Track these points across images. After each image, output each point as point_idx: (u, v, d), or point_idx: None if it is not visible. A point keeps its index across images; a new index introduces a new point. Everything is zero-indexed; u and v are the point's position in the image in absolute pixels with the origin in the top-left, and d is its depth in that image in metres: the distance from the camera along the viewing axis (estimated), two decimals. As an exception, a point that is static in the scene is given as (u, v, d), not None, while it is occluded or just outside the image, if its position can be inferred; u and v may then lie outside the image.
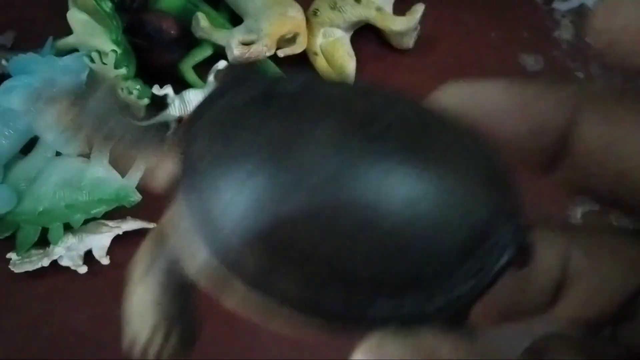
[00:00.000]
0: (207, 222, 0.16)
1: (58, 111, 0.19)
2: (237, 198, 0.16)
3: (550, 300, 0.21)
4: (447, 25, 0.68)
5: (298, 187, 0.16)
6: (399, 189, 0.16)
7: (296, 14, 0.60)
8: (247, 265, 0.16)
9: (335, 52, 0.61)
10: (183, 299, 0.18)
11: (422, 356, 0.15)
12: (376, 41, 0.66)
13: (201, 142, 0.17)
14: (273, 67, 0.61)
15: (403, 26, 0.62)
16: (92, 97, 0.20)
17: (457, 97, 0.20)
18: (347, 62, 0.61)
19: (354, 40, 0.64)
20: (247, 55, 0.56)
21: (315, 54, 0.61)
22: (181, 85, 0.59)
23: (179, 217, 0.17)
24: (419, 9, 0.62)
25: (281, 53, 0.59)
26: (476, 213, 0.17)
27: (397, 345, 0.15)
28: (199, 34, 0.60)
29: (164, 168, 0.19)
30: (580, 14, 0.70)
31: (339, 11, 0.61)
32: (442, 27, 0.68)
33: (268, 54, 0.57)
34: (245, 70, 0.21)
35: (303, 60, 0.62)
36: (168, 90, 0.58)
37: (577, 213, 0.56)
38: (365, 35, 0.65)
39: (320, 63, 0.61)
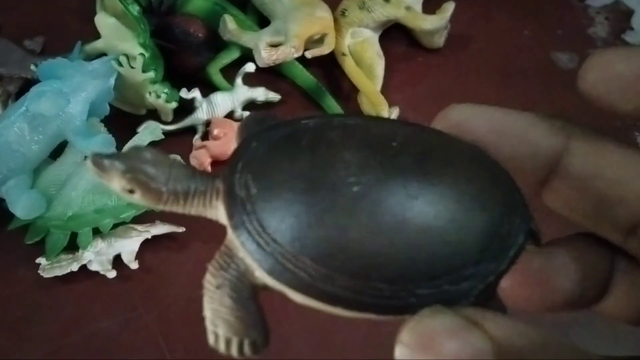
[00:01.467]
0: (262, 239, 0.19)
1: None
2: (287, 216, 0.19)
3: (596, 296, 0.24)
4: (478, 23, 0.67)
5: (337, 204, 0.19)
6: (420, 195, 0.19)
7: (324, 15, 0.59)
8: (300, 273, 0.19)
9: (364, 52, 0.60)
10: (252, 307, 0.20)
11: (467, 325, 0.17)
12: (405, 41, 0.65)
13: (246, 175, 0.20)
14: (300, 70, 0.60)
15: (433, 25, 0.60)
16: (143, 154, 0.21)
17: (461, 118, 0.23)
18: (376, 62, 0.60)
19: (382, 40, 0.63)
20: (274, 57, 0.56)
21: (344, 54, 0.61)
22: (209, 89, 0.59)
23: (239, 239, 0.19)
24: (449, 8, 0.61)
25: (309, 54, 0.58)
26: (490, 206, 0.20)
27: (443, 318, 0.17)
28: (226, 36, 0.59)
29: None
30: (615, 11, 0.69)
31: (368, 11, 0.60)
32: (473, 25, 0.67)
33: (296, 55, 0.57)
34: (267, 115, 0.25)
35: (331, 61, 0.61)
36: (196, 93, 0.58)
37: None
38: (394, 35, 0.64)
39: (349, 64, 0.60)
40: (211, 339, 0.20)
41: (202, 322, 0.56)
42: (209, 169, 0.55)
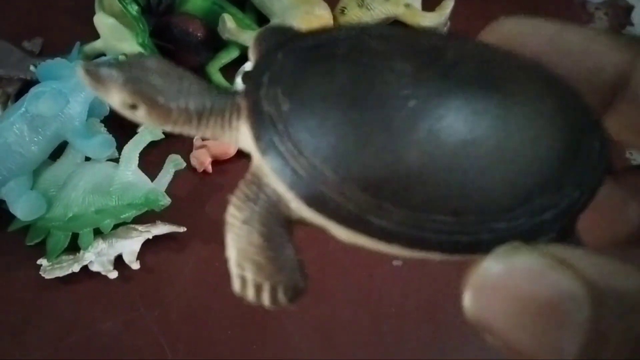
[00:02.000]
0: (299, 163, 0.16)
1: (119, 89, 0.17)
2: (329, 136, 0.16)
3: None
4: (478, 19, 0.66)
5: (390, 121, 0.16)
6: (489, 111, 0.16)
7: (323, 12, 0.59)
8: (347, 204, 0.15)
9: None
10: (287, 246, 0.17)
11: (555, 265, 0.14)
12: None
13: (275, 88, 0.16)
14: None
15: (433, 22, 0.60)
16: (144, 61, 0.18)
17: (513, 32, 0.20)
18: None
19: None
20: None
21: None
22: None
23: (269, 164, 0.16)
24: (448, 4, 0.60)
25: None
26: (567, 126, 0.17)
27: (525, 256, 0.14)
28: (225, 35, 0.59)
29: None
30: (614, 6, 0.68)
31: (367, 9, 0.60)
32: (472, 21, 0.66)
33: None
34: (286, 26, 0.21)
35: None
36: None
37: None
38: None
39: None
40: (237, 285, 0.17)
41: (203, 322, 0.56)
42: (209, 169, 0.55)
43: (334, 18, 0.61)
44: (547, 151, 0.16)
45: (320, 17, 0.59)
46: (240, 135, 0.18)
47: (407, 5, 0.61)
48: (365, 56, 0.17)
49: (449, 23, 0.62)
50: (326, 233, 0.16)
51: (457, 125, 0.16)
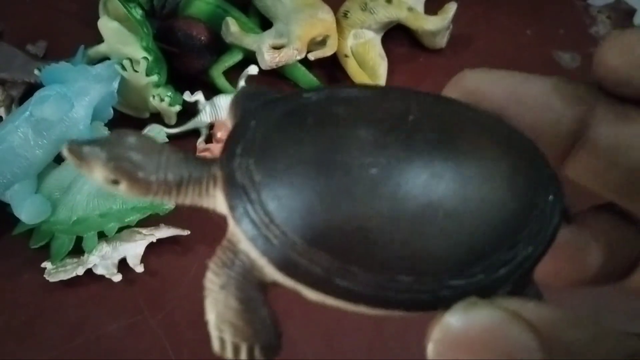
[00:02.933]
0: (270, 231, 0.17)
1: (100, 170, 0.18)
2: (298, 205, 0.17)
3: (624, 272, 0.22)
4: (480, 23, 0.67)
5: (353, 189, 0.17)
6: (446, 175, 0.17)
7: (326, 16, 0.59)
8: (315, 268, 0.17)
9: (367, 54, 0.60)
10: (262, 308, 0.18)
11: (508, 318, 0.15)
12: (407, 41, 0.65)
13: (247, 159, 0.18)
14: (303, 72, 0.61)
15: (436, 25, 0.60)
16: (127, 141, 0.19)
17: (475, 86, 0.21)
18: (379, 64, 0.60)
19: (384, 41, 0.63)
20: (277, 59, 0.56)
21: (346, 56, 0.61)
22: (211, 92, 0.59)
23: (244, 232, 0.17)
24: (451, 8, 0.60)
25: (312, 56, 0.58)
26: (522, 183, 0.18)
27: (480, 311, 0.15)
28: (229, 39, 0.59)
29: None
30: (617, 9, 0.69)
31: (370, 12, 0.60)
32: (475, 25, 0.67)
33: (298, 57, 0.57)
34: (260, 89, 0.21)
35: (334, 63, 0.61)
36: (199, 96, 0.58)
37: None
38: (396, 36, 0.64)
39: (352, 65, 0.60)
40: (216, 346, 0.18)
41: (207, 325, 0.56)
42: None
43: (337, 22, 0.61)
44: (502, 210, 0.17)
45: (323, 21, 0.59)
46: (217, 202, 0.19)
47: (410, 9, 0.61)
48: (331, 124, 0.18)
49: (451, 26, 0.62)
50: (298, 295, 0.17)
51: (415, 190, 0.17)
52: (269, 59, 0.55)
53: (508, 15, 0.68)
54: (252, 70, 0.59)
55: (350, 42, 0.61)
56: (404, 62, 0.63)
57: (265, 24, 0.63)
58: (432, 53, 0.64)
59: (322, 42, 0.60)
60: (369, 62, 0.60)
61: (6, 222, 0.52)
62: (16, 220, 0.51)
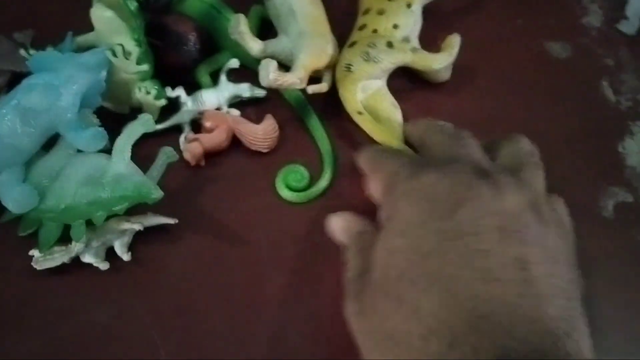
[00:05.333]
0: None
1: None
2: None
3: None
4: (470, 13, 0.67)
5: None
6: None
7: (332, 52, 0.58)
8: None
9: (379, 105, 0.57)
10: None
11: None
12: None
13: None
14: (317, 124, 0.58)
15: (444, 63, 0.58)
16: None
17: (332, 227, 0.46)
18: (393, 113, 0.57)
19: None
20: (280, 82, 0.54)
21: (360, 113, 0.56)
22: (193, 89, 0.58)
23: None
24: (455, 41, 0.58)
25: (310, 90, 0.56)
26: None
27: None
28: (234, 35, 0.58)
29: None
30: (609, 0, 0.68)
31: (374, 62, 0.57)
32: (466, 15, 0.66)
33: (299, 87, 0.55)
34: None
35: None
36: (180, 91, 0.57)
37: (609, 205, 0.54)
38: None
39: (367, 123, 0.56)
40: None
41: (195, 313, 0.57)
42: (202, 162, 0.55)
43: (343, 77, 0.57)
44: None
45: (329, 57, 0.57)
46: None
47: (414, 50, 0.58)
48: None
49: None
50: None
51: None
52: (272, 78, 0.54)
53: (499, 5, 0.67)
54: (234, 63, 0.59)
55: (359, 96, 0.57)
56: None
57: (263, 30, 0.62)
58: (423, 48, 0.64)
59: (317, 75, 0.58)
60: (383, 114, 0.57)
61: (-7, 210, 0.52)
62: (3, 208, 0.51)
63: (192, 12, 0.61)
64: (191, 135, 0.57)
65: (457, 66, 0.59)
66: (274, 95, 0.59)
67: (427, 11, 0.61)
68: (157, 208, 0.52)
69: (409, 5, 0.59)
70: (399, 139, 0.55)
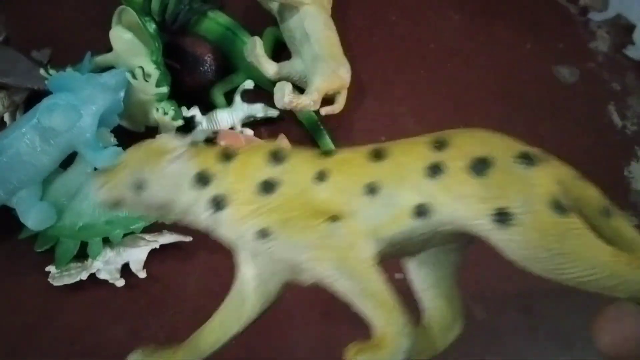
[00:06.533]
0: None
1: None
2: None
3: None
4: (479, 37, 0.68)
5: None
6: None
7: (346, 75, 0.59)
8: None
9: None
10: None
11: None
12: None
13: None
14: (310, 114, 0.60)
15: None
16: None
17: None
18: None
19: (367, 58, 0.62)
20: (294, 104, 0.56)
21: None
22: (208, 109, 0.60)
23: None
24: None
25: (323, 111, 0.58)
26: None
27: None
28: (250, 58, 0.59)
29: None
30: (616, 25, 0.70)
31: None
32: (475, 39, 0.67)
33: (313, 108, 0.57)
34: None
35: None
36: (195, 111, 0.58)
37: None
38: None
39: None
40: None
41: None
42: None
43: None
44: None
45: (341, 79, 0.59)
46: None
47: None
48: None
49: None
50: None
51: None
52: (287, 101, 0.56)
53: (508, 30, 0.68)
54: (248, 84, 0.60)
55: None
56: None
57: (277, 52, 0.63)
58: (433, 66, 0.65)
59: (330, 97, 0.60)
60: None
61: (12, 226, 0.52)
62: (22, 224, 0.52)
63: (209, 33, 0.62)
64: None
65: (465, 87, 0.60)
66: (287, 115, 0.61)
67: (434, 35, 0.62)
68: (171, 226, 0.52)
69: None
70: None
